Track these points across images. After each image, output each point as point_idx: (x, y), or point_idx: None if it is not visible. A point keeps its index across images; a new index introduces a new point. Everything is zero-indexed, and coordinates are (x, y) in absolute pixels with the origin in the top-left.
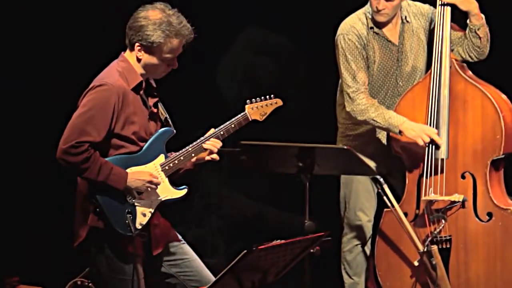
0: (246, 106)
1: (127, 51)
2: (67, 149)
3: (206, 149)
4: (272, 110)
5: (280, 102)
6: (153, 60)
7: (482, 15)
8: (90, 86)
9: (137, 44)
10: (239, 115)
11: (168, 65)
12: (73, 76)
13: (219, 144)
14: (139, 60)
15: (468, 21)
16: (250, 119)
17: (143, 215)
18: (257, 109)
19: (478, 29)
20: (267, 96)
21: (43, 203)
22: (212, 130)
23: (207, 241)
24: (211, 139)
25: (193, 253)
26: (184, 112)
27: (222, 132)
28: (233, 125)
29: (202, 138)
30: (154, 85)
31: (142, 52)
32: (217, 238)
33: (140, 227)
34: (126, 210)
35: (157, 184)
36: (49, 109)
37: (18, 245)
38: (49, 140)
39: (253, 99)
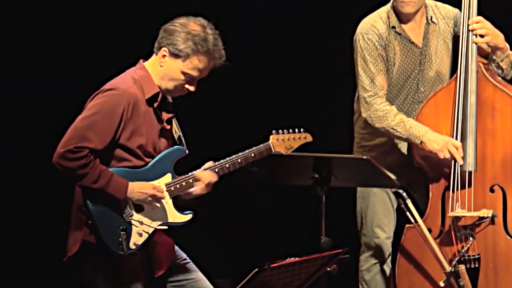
0: (271, 136)
1: (149, 60)
2: (64, 154)
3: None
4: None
5: (309, 138)
6: (174, 71)
7: (507, 46)
8: (100, 89)
9: (164, 48)
10: (262, 145)
11: (186, 83)
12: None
13: (210, 178)
14: (160, 66)
15: (490, 50)
16: (274, 151)
17: (139, 234)
18: (282, 142)
19: (502, 61)
20: (296, 129)
21: (41, 214)
22: (209, 164)
23: (214, 259)
24: (206, 172)
25: (199, 273)
26: (201, 132)
27: (239, 160)
28: (253, 154)
29: (217, 163)
30: (171, 100)
31: (167, 58)
32: (225, 255)
33: (134, 247)
34: (121, 227)
35: (160, 199)
36: (47, 114)
37: (16, 262)
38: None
39: (280, 130)
